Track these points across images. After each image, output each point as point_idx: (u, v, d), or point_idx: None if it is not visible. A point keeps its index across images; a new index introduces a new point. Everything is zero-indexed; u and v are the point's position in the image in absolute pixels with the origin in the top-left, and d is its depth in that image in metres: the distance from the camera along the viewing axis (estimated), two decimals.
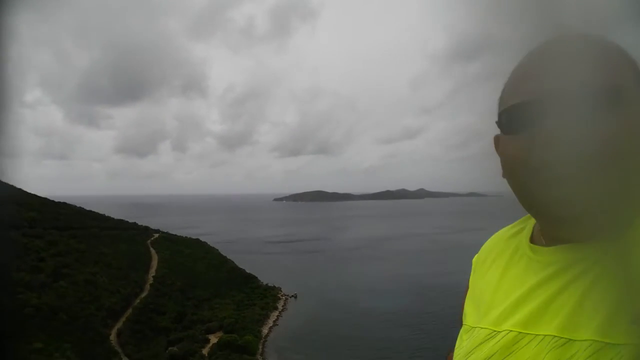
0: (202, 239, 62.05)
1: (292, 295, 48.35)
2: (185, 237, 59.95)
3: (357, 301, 45.41)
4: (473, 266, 0.85)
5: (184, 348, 32.44)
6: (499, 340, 0.63)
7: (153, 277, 43.87)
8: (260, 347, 34.64)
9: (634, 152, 0.53)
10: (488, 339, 0.66)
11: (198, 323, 37.59)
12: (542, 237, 0.68)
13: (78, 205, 54.80)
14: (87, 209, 55.32)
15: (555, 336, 0.55)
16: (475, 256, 0.86)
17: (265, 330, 38.42)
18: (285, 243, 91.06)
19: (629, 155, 0.53)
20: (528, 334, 0.59)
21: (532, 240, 0.72)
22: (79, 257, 40.13)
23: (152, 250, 50.12)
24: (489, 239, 0.85)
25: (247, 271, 52.55)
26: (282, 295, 48.40)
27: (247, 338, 34.33)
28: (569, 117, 0.53)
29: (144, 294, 40.35)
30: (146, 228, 58.90)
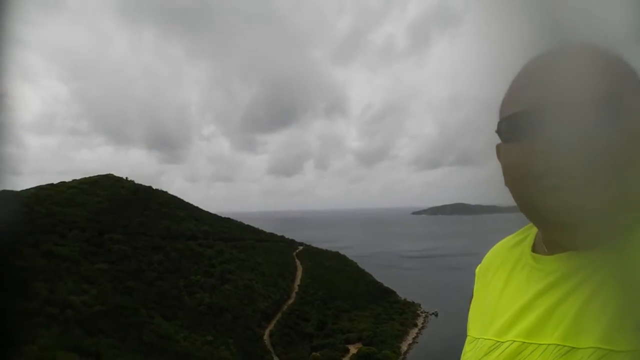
0: (342, 252, 64.68)
1: (433, 313, 46.57)
2: (326, 250, 63.69)
3: None
4: (476, 276, 0.85)
5: (325, 355, 34.49)
6: (502, 351, 0.62)
7: (298, 285, 47.93)
8: None
9: (633, 160, 0.53)
10: (492, 350, 0.65)
11: (338, 332, 39.48)
12: (544, 245, 0.67)
13: (239, 221, 63.52)
14: (246, 223, 63.55)
15: (558, 345, 0.54)
16: (478, 266, 0.86)
17: (404, 347, 38.01)
18: (425, 258, 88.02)
19: (628, 163, 0.53)
20: (531, 343, 0.58)
21: (534, 249, 0.71)
22: (239, 265, 46.68)
23: (297, 262, 54.85)
24: (492, 249, 0.85)
25: (385, 285, 52.81)
26: (421, 312, 47.15)
27: (386, 353, 34.50)
28: (568, 125, 0.53)
29: (290, 301, 44.38)
30: (292, 241, 64.85)
